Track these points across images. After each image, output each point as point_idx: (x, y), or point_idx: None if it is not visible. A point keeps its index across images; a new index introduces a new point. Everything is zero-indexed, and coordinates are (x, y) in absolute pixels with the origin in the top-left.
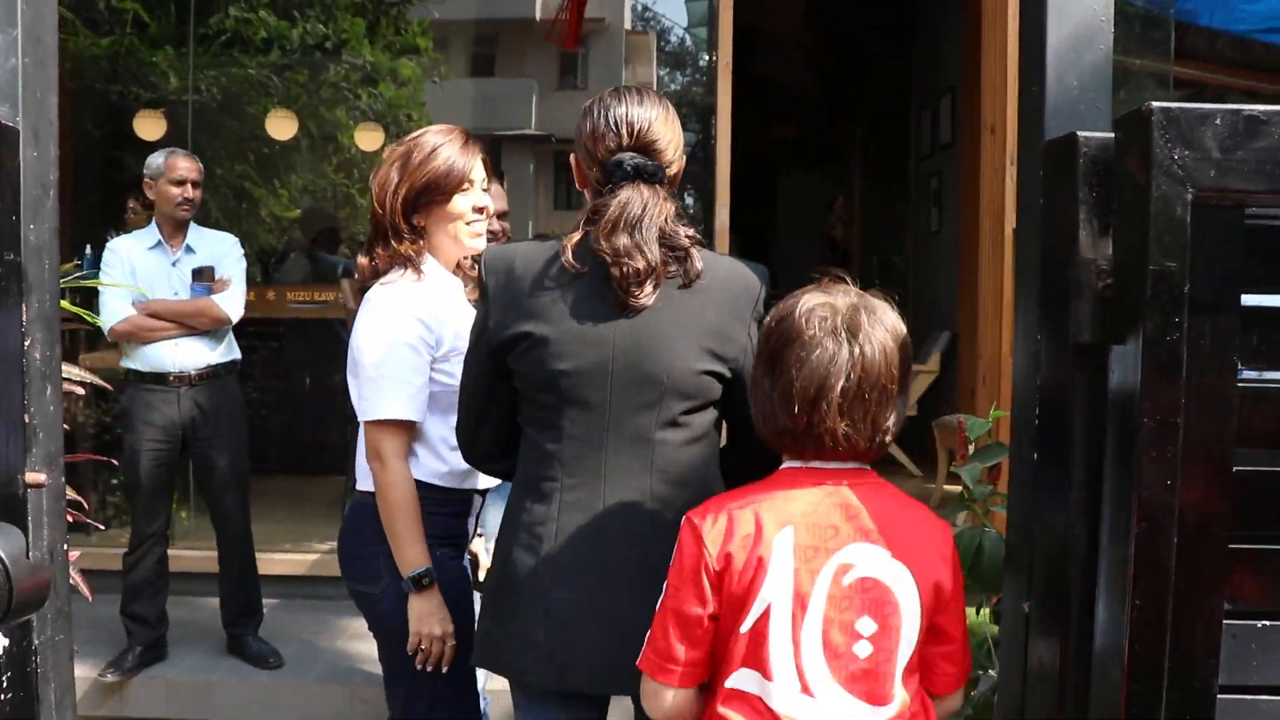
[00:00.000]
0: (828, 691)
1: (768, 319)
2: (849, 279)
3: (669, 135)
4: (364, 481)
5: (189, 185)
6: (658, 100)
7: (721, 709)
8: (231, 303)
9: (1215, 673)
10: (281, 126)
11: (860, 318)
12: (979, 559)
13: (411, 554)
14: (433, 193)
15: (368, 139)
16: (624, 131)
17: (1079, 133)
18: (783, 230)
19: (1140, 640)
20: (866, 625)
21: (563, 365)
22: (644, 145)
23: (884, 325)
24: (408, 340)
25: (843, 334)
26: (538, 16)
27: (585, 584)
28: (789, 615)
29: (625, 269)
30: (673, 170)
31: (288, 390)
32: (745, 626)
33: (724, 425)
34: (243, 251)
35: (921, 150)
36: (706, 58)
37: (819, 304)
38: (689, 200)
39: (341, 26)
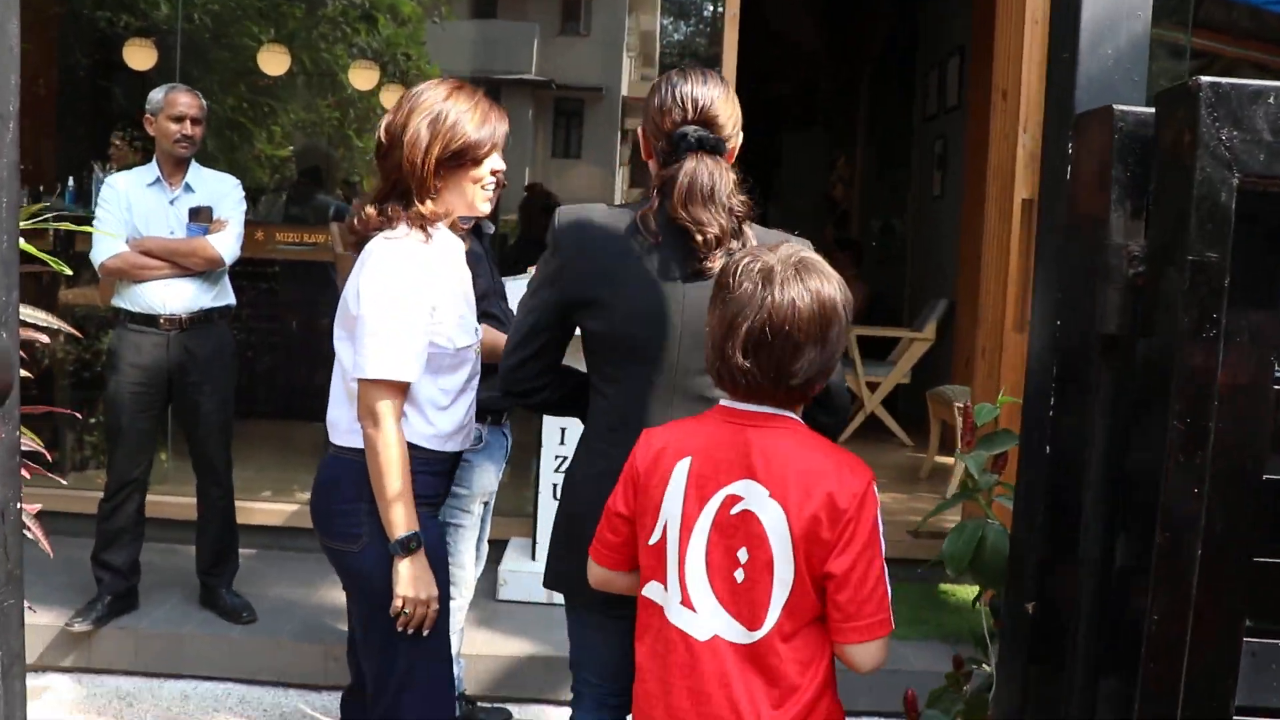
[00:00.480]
0: (707, 606)
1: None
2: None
3: (729, 111)
4: (344, 436)
5: (188, 122)
6: (719, 80)
7: (640, 613)
8: (226, 243)
9: (1233, 692)
10: (273, 61)
11: (781, 271)
12: (980, 551)
13: (402, 516)
14: (464, 157)
15: (363, 78)
16: (689, 106)
17: (1116, 106)
18: (785, 187)
19: (1155, 656)
20: (743, 554)
21: (638, 329)
22: (707, 120)
23: (808, 281)
24: (416, 299)
25: (758, 282)
26: None
27: None
28: (678, 535)
29: (707, 236)
30: (731, 144)
31: (273, 333)
32: (651, 540)
33: None
34: (243, 194)
35: (927, 111)
36: (712, 8)
37: (751, 257)
38: None
39: None
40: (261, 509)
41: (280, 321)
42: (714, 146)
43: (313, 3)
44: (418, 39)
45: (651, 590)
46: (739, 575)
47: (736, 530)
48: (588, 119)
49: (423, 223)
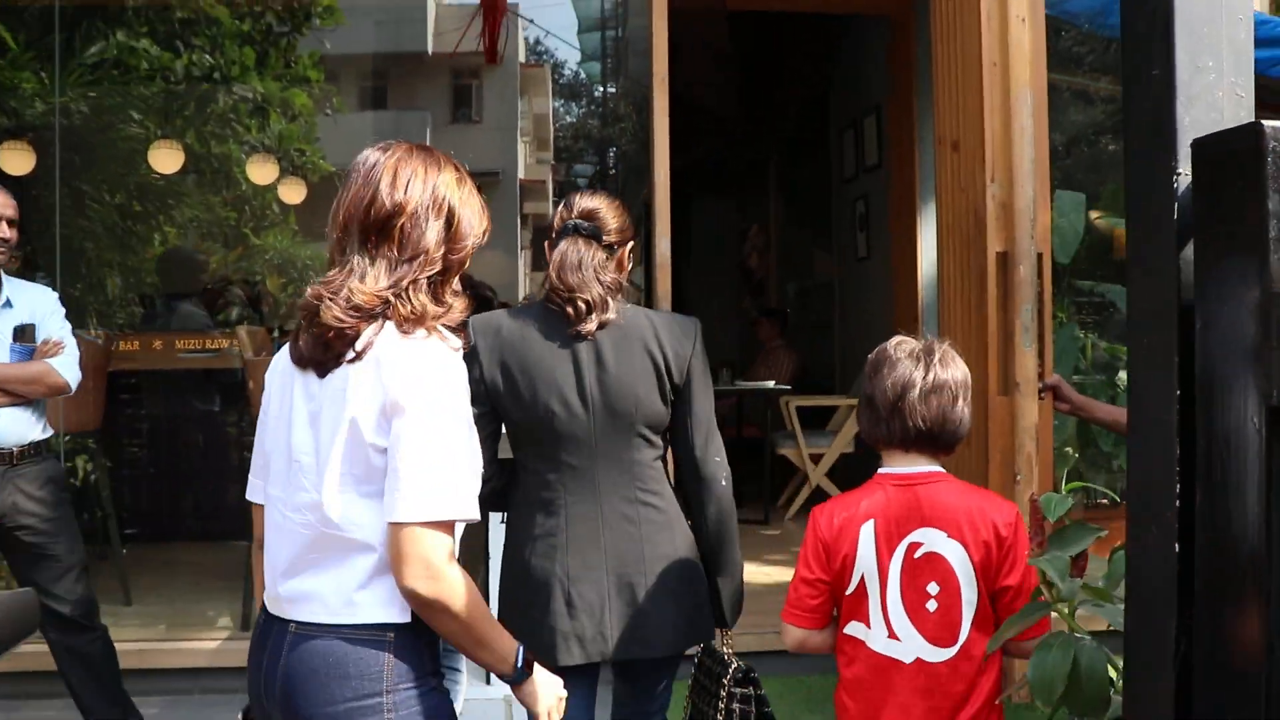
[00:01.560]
0: (909, 635)
1: (870, 357)
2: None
3: (612, 216)
4: (338, 611)
5: (4, 223)
6: (608, 195)
7: (843, 647)
8: (71, 369)
9: None
10: (166, 158)
11: (935, 347)
12: (1075, 677)
13: (507, 644)
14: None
15: (261, 172)
16: (575, 209)
17: (1266, 123)
18: (696, 258)
19: None
20: (932, 588)
21: (555, 407)
22: (586, 214)
23: (951, 357)
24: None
25: (919, 358)
26: (430, 49)
27: (597, 578)
28: (876, 581)
29: (576, 302)
30: (610, 239)
31: (175, 451)
32: (849, 591)
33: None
34: (64, 309)
35: (845, 173)
36: (601, 89)
37: (899, 341)
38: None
39: (230, 57)
40: (173, 649)
41: (182, 438)
42: (589, 233)
43: (201, 98)
44: (311, 135)
45: (853, 629)
46: (931, 605)
47: (922, 570)
48: (487, 205)
49: (437, 325)
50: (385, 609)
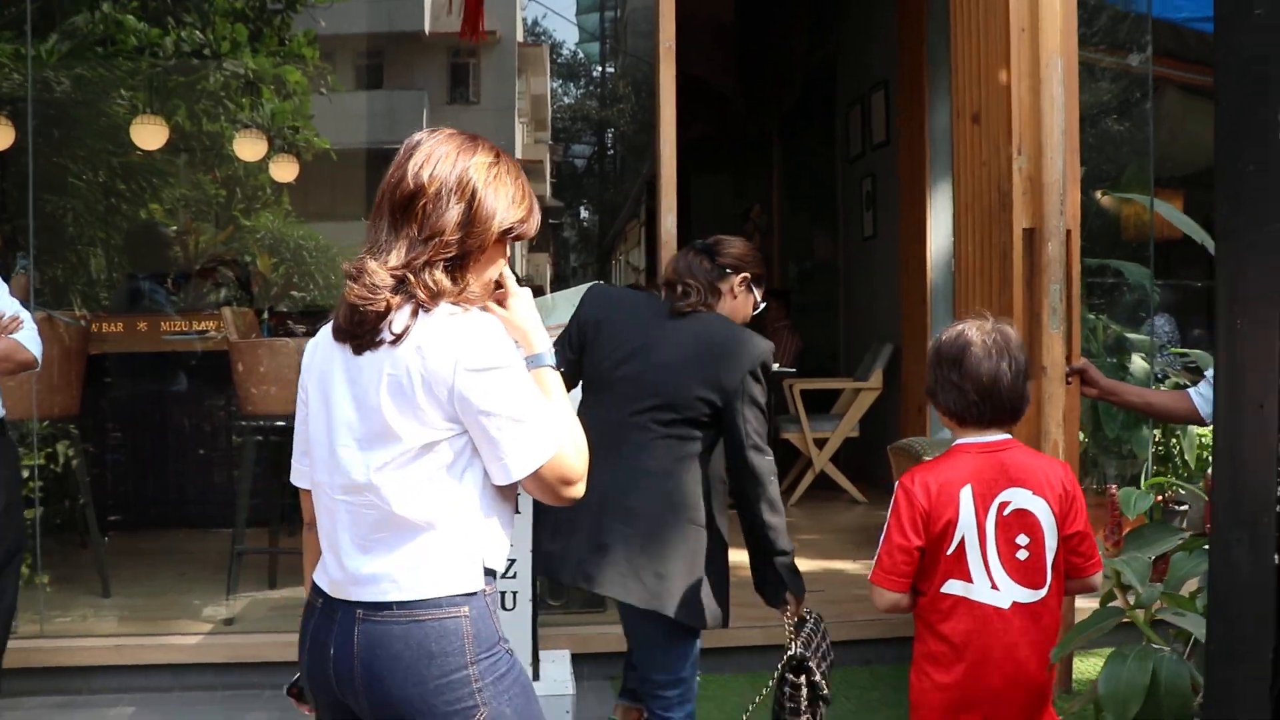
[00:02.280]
0: (1005, 584)
1: (940, 338)
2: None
3: (735, 244)
4: (408, 589)
5: None
6: (746, 241)
7: (939, 606)
8: (34, 342)
9: None
10: (148, 134)
11: (1009, 332)
12: (1154, 692)
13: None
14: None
15: (250, 149)
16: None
17: None
18: (696, 238)
19: None
20: (1023, 539)
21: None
22: (712, 239)
23: (1018, 339)
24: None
25: (1002, 345)
26: (427, 29)
27: (592, 521)
28: (976, 540)
29: (673, 285)
30: (725, 260)
31: (159, 436)
32: (950, 550)
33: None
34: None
35: (851, 151)
36: (599, 70)
37: (975, 325)
38: (586, 215)
39: (221, 34)
40: (158, 644)
41: (166, 421)
42: (703, 248)
43: (191, 75)
44: (304, 111)
45: (952, 586)
46: (1021, 555)
47: (1012, 525)
48: None
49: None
50: (456, 580)
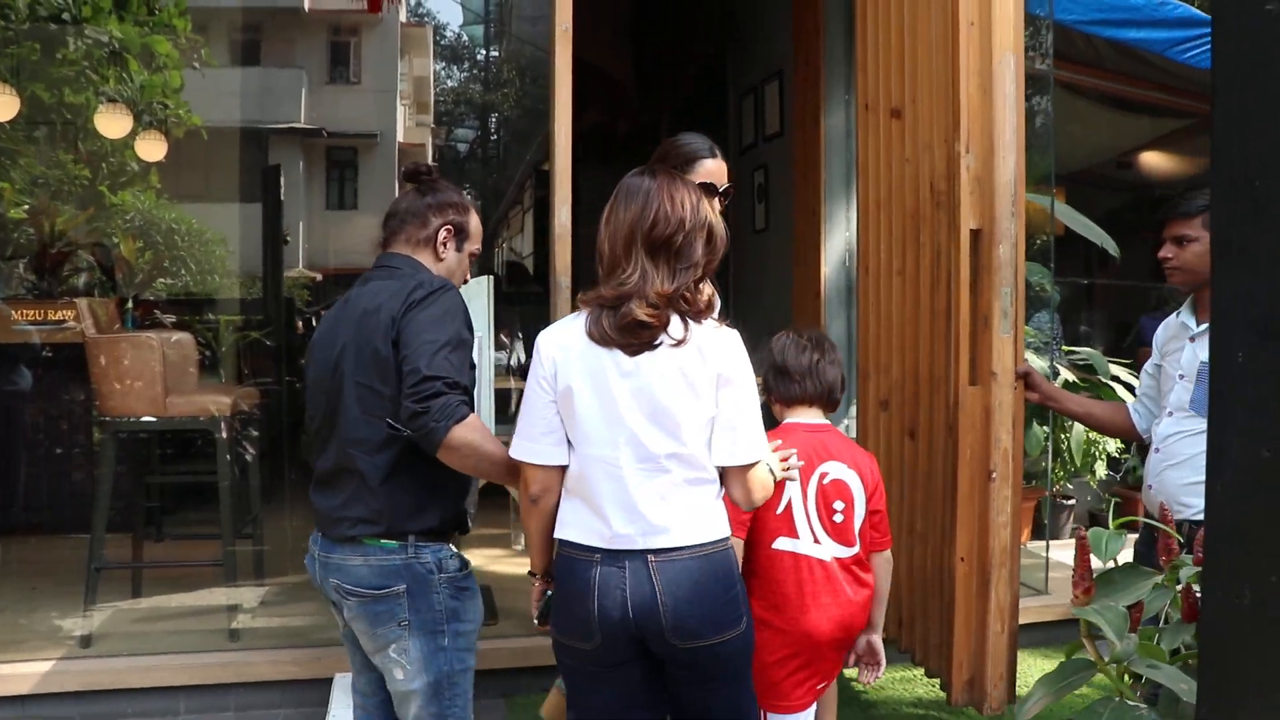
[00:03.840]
0: (826, 541)
1: (770, 346)
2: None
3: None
4: (690, 534)
5: None
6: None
7: (772, 558)
8: None
9: None
10: None
11: (820, 336)
12: None
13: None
14: None
15: (114, 124)
16: None
17: None
18: (583, 229)
19: None
20: (839, 504)
21: None
22: None
23: (828, 341)
24: None
25: (812, 339)
26: (307, 5)
27: None
28: (801, 503)
29: None
30: None
31: (5, 434)
32: (779, 510)
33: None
34: None
35: (744, 141)
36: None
37: (795, 331)
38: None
39: None
40: (3, 674)
41: (13, 418)
42: None
43: (49, 40)
44: (174, 86)
45: (781, 543)
46: (838, 518)
47: (830, 492)
48: (363, 168)
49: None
50: (724, 525)
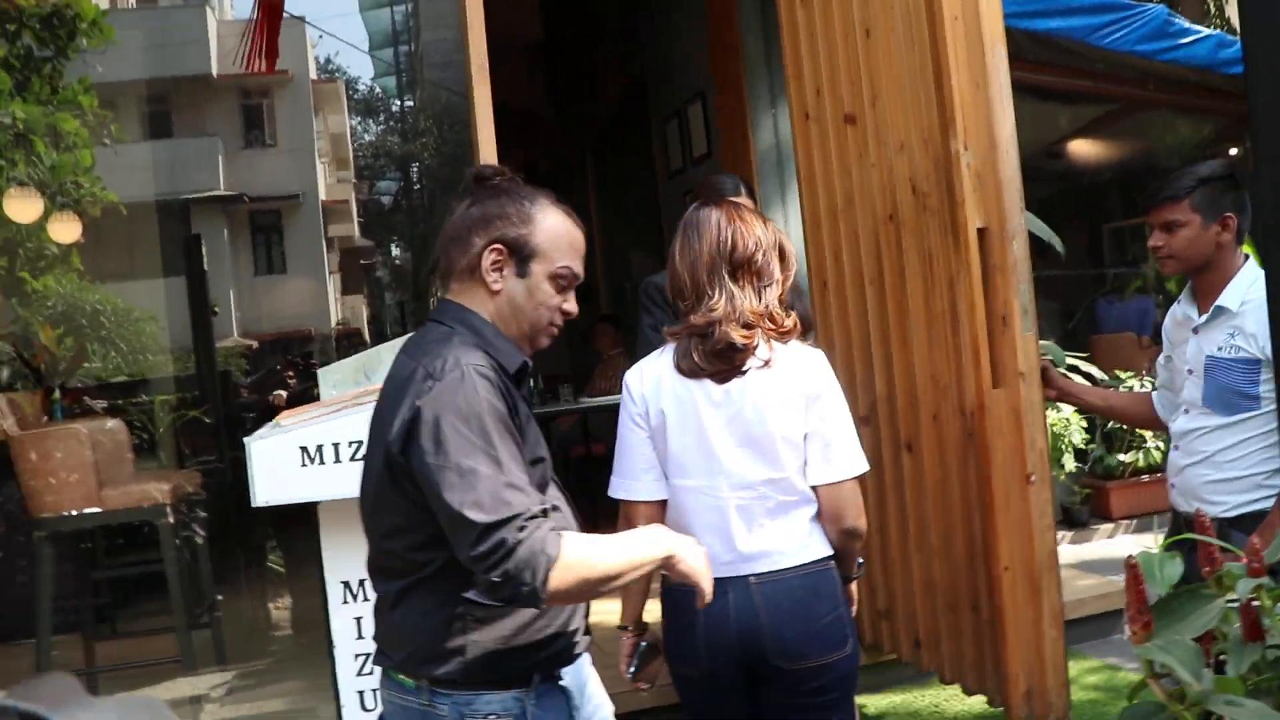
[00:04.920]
0: None
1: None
2: None
3: None
4: (792, 556)
5: None
6: None
7: None
8: None
9: None
10: None
11: None
12: None
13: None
14: None
15: (25, 208)
16: None
17: None
18: None
19: None
20: None
21: None
22: None
23: None
24: None
25: None
26: (215, 71)
27: None
28: None
29: None
30: None
31: None
32: None
33: None
34: None
35: (671, 166)
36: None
37: None
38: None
39: None
40: None
41: None
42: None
43: None
44: (86, 164)
45: None
46: None
47: None
48: (288, 230)
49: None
50: (824, 545)
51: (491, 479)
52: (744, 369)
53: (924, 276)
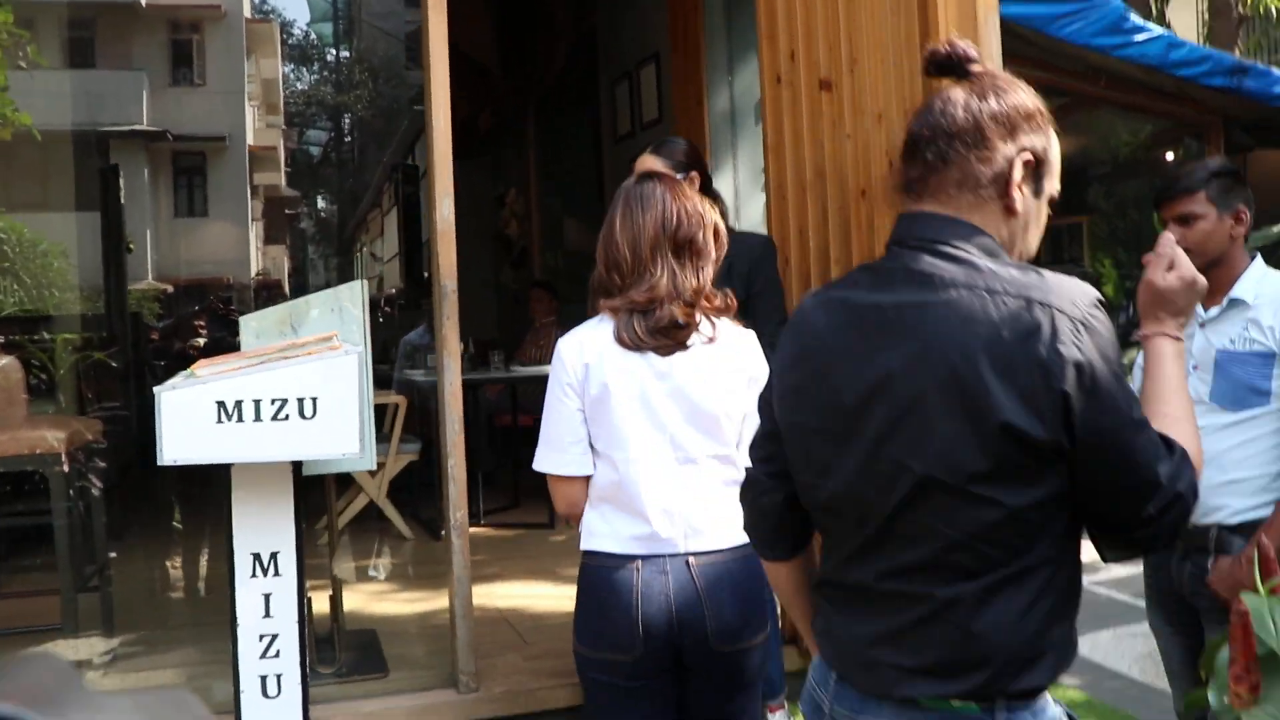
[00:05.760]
0: None
1: None
2: None
3: None
4: (736, 534)
5: None
6: None
7: None
8: None
9: None
10: None
11: None
12: None
13: None
14: None
15: None
16: None
17: None
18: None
19: None
20: None
21: None
22: None
23: None
24: None
25: None
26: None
27: None
28: None
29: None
30: None
31: None
32: None
33: None
34: None
35: (619, 130)
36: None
37: None
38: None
39: None
40: None
41: None
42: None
43: None
44: None
45: None
46: None
47: None
48: (212, 173)
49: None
50: None
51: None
52: (688, 344)
53: None
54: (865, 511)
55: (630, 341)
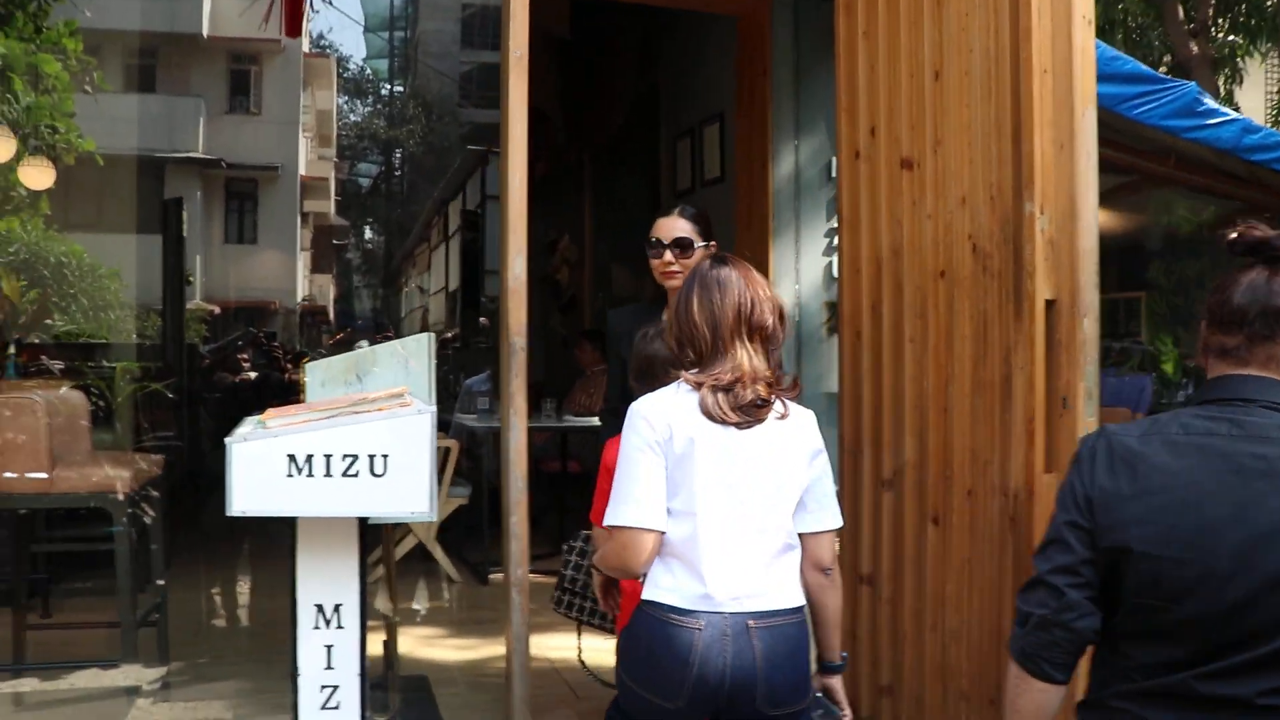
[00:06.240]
0: None
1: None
2: None
3: None
4: (793, 596)
5: None
6: None
7: None
8: None
9: None
10: None
11: None
12: None
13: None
14: None
15: None
16: None
17: None
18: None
19: None
20: None
21: None
22: None
23: None
24: None
25: None
26: (206, 31)
27: None
28: None
29: None
30: None
31: None
32: None
33: None
34: None
35: (679, 185)
36: (389, 87)
37: None
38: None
39: None
40: None
41: None
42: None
43: None
44: (65, 109)
45: None
46: None
47: None
48: (263, 200)
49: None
50: (801, 594)
51: None
52: (764, 420)
53: (976, 342)
54: (1250, 634)
55: (717, 416)
